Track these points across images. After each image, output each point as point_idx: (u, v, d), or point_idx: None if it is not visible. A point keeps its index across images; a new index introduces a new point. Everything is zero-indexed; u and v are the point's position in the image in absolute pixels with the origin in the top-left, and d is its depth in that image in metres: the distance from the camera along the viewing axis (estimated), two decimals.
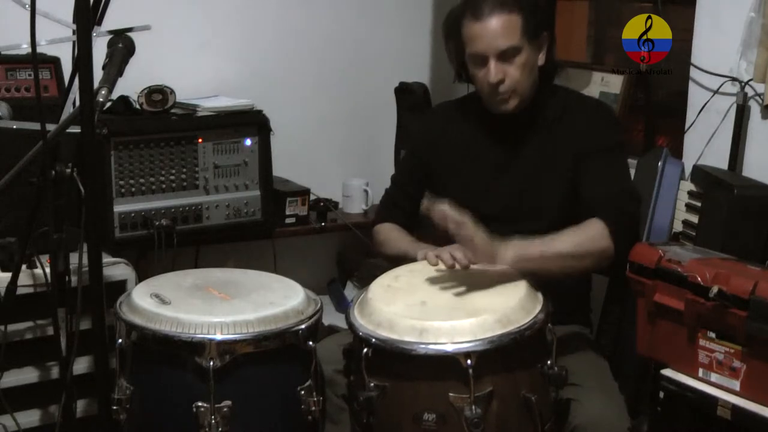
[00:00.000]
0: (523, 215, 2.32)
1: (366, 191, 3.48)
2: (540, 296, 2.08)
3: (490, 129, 2.39)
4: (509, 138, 2.36)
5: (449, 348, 1.90)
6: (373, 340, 1.96)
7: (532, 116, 2.35)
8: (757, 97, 2.61)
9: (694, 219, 2.58)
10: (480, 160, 2.39)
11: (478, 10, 2.23)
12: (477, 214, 2.32)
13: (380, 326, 1.98)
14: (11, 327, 2.49)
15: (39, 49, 2.05)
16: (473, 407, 1.88)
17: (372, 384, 1.95)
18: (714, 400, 2.04)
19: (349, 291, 3.48)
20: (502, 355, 1.92)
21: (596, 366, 2.27)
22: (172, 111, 2.95)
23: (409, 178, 2.52)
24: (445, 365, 1.90)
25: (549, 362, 1.99)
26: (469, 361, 1.87)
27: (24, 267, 2.42)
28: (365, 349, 1.95)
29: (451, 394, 1.90)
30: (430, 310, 2.01)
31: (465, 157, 2.41)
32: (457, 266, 2.10)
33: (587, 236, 2.16)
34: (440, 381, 1.91)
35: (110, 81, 1.88)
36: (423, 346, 1.91)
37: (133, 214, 2.84)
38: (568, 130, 2.32)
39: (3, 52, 2.63)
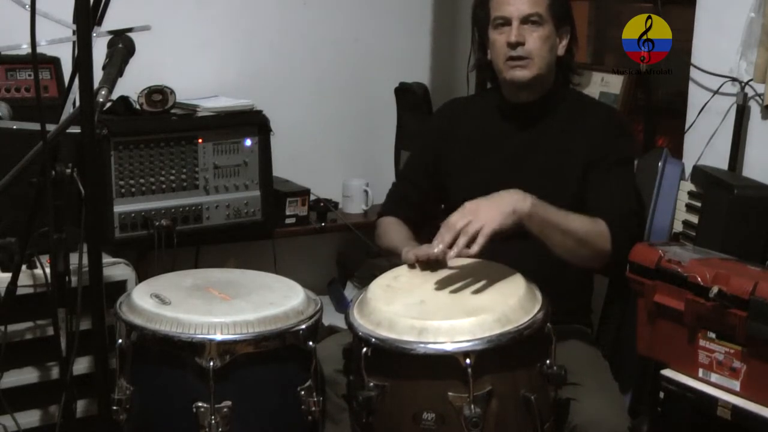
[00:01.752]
0: None
1: (366, 191, 3.48)
2: (539, 295, 2.08)
3: (502, 125, 2.40)
4: (521, 134, 2.38)
5: (448, 347, 1.90)
6: (373, 339, 1.96)
7: (545, 113, 2.36)
8: (757, 98, 2.61)
9: (694, 219, 2.58)
10: (490, 155, 2.40)
11: None
12: None
13: (379, 326, 1.97)
14: (11, 327, 2.49)
15: (39, 50, 2.05)
16: (472, 407, 1.88)
17: (371, 383, 1.95)
18: (714, 400, 2.04)
19: (349, 291, 3.48)
20: (501, 354, 1.92)
21: (596, 365, 2.27)
22: (172, 111, 2.95)
23: (420, 171, 2.52)
24: (444, 365, 1.90)
25: (548, 361, 1.99)
26: (468, 361, 1.87)
27: (24, 267, 2.42)
28: (364, 349, 1.95)
29: (450, 394, 1.90)
30: (430, 309, 2.01)
31: (475, 151, 2.42)
32: (433, 256, 2.11)
33: (597, 230, 2.19)
34: (439, 380, 1.91)
35: (110, 81, 1.88)
36: (422, 345, 1.91)
37: (133, 215, 2.84)
38: (581, 133, 2.33)
39: (3, 52, 2.63)
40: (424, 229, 2.46)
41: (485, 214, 2.04)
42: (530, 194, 2.10)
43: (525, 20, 2.28)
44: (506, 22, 2.29)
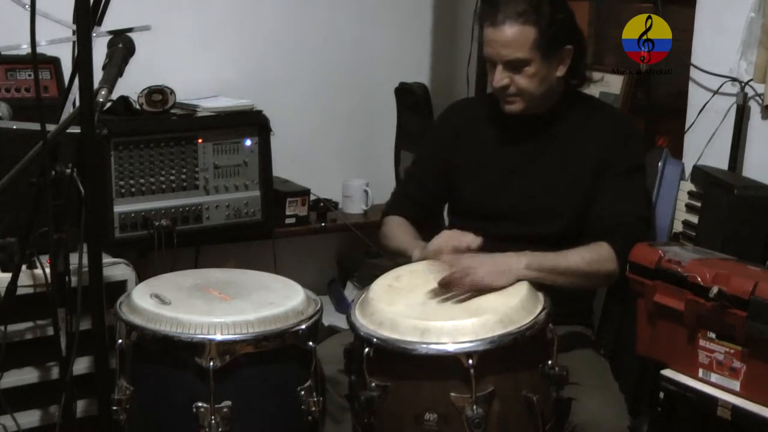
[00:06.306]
0: (536, 217, 2.32)
1: (366, 191, 3.47)
2: (541, 296, 2.08)
3: (510, 129, 2.38)
4: (528, 139, 2.36)
5: (451, 348, 1.90)
6: (375, 339, 1.96)
7: (552, 120, 2.34)
8: (757, 98, 2.61)
9: (694, 219, 2.58)
10: (497, 158, 2.39)
11: (494, 16, 2.22)
12: (491, 212, 2.32)
13: (382, 326, 1.98)
14: (11, 327, 2.49)
15: (39, 50, 2.05)
16: (474, 407, 1.88)
17: (373, 384, 1.95)
18: (714, 400, 2.04)
19: (349, 291, 3.48)
20: (504, 355, 1.92)
21: (596, 365, 2.28)
22: (172, 111, 2.95)
23: (429, 172, 2.50)
24: (446, 365, 1.90)
25: (550, 362, 1.99)
26: (470, 361, 1.88)
27: (24, 267, 2.42)
28: (366, 349, 1.95)
29: (452, 394, 1.90)
30: (432, 310, 2.02)
31: (483, 154, 2.41)
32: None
33: (598, 257, 2.19)
34: (442, 381, 1.91)
35: (110, 81, 1.88)
36: (425, 345, 1.92)
37: (133, 215, 2.83)
38: (590, 138, 2.32)
39: (3, 52, 2.63)
40: (428, 227, 2.46)
41: (483, 268, 2.08)
42: (525, 252, 2.13)
43: (508, 64, 2.23)
44: (492, 62, 2.26)
